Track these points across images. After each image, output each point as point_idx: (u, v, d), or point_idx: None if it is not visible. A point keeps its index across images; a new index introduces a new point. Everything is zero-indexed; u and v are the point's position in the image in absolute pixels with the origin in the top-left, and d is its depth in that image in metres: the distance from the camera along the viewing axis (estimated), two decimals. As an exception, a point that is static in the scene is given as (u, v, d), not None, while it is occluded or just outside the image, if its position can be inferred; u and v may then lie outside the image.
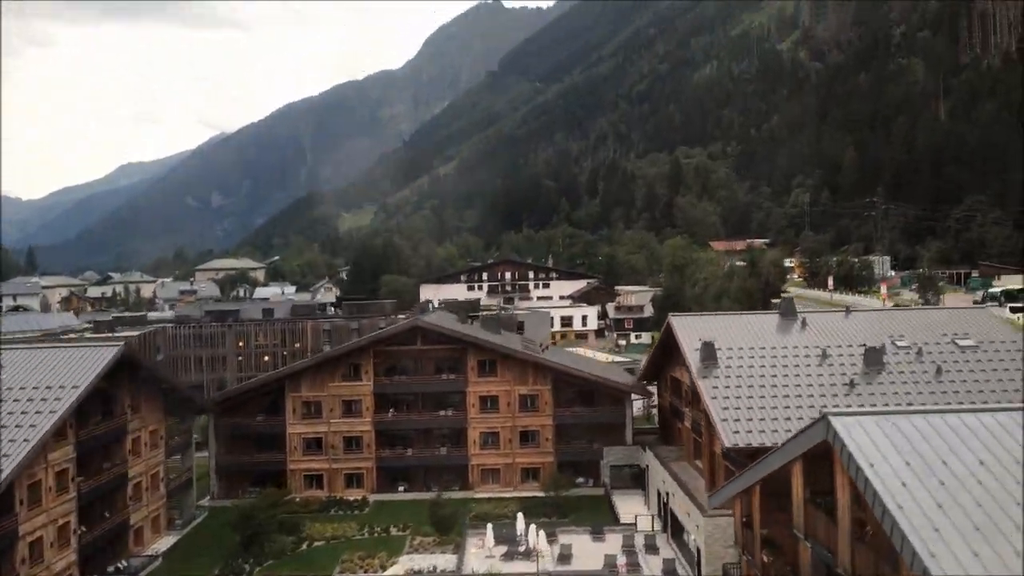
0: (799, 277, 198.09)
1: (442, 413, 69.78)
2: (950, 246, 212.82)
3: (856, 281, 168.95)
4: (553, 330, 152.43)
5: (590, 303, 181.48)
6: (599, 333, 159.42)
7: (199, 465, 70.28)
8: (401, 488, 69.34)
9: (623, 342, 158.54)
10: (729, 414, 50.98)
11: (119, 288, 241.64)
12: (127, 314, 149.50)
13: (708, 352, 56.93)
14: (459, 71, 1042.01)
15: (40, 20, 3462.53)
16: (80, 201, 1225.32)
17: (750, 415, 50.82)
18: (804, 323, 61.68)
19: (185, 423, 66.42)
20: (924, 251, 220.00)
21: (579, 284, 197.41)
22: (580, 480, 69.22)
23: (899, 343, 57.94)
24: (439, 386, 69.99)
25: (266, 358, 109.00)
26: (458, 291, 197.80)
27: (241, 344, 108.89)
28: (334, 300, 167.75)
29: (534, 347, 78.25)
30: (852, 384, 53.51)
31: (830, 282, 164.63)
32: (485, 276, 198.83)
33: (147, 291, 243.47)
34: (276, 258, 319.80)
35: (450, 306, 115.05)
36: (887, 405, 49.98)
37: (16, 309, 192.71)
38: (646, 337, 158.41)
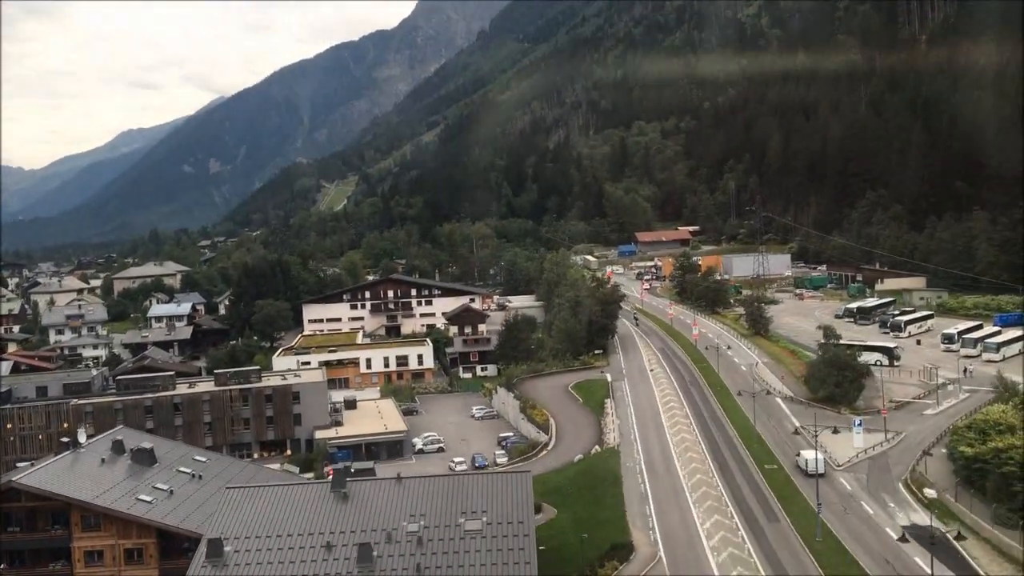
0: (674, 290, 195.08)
1: (52, 567, 70.88)
2: (852, 243, 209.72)
3: (713, 301, 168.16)
4: (389, 370, 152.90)
5: (461, 325, 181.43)
6: (441, 371, 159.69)
7: None
8: (9, 644, 70.69)
9: (468, 375, 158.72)
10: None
11: (36, 298, 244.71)
12: None
13: (215, 549, 56.55)
14: (455, 29, 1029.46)
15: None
16: (82, 170, 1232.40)
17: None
18: (346, 497, 60.97)
19: None
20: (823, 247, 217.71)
21: (463, 300, 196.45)
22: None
23: (410, 528, 56.75)
24: (46, 542, 70.87)
25: (40, 436, 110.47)
26: (342, 310, 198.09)
27: (9, 426, 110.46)
28: (188, 337, 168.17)
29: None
30: (320, 591, 53.40)
31: (671, 308, 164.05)
32: (368, 295, 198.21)
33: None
34: (212, 255, 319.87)
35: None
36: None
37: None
38: (492, 369, 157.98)
